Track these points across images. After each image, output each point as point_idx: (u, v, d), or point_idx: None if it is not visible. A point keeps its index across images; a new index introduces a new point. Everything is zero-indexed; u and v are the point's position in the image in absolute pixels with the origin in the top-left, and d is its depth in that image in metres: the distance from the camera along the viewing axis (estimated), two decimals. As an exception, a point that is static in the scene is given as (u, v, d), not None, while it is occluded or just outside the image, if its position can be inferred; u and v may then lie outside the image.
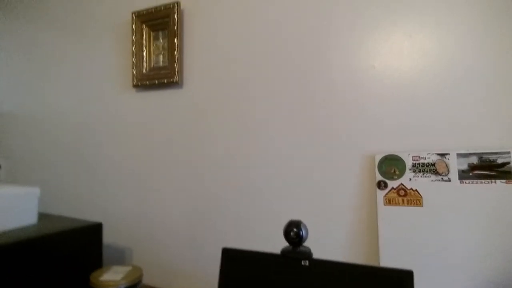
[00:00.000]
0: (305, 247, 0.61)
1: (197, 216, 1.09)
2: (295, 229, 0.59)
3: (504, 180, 0.75)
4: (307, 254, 0.59)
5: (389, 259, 0.81)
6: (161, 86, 1.17)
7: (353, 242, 0.89)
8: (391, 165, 0.85)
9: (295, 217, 0.94)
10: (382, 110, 0.87)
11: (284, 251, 0.60)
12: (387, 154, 0.85)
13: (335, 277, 0.58)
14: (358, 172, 0.89)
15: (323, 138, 0.93)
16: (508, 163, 0.75)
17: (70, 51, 1.42)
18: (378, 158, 0.86)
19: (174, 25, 1.11)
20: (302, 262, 0.59)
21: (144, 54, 1.19)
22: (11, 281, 0.80)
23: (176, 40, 1.11)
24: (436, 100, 0.83)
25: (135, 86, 1.20)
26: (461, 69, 0.81)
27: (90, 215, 1.31)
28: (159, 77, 1.15)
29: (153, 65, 1.19)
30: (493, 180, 0.76)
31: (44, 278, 0.87)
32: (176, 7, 1.11)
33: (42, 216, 1.06)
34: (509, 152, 0.75)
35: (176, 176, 1.13)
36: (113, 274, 0.87)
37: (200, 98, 1.11)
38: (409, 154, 0.83)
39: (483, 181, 0.77)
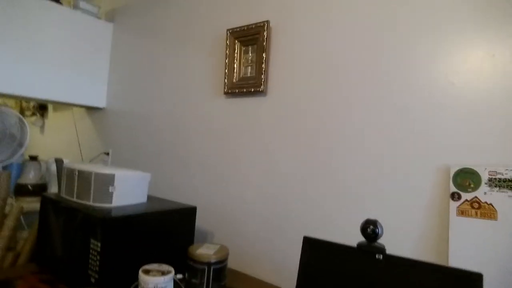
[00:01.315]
0: (379, 243, 0.70)
1: (280, 207, 1.23)
2: (371, 226, 0.69)
3: None
4: (382, 249, 0.69)
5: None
6: (248, 94, 1.33)
7: (424, 249, 0.94)
8: (466, 178, 0.89)
9: (369, 215, 1.02)
10: (460, 125, 0.91)
11: (360, 245, 0.71)
12: (462, 167, 0.89)
13: (407, 272, 0.66)
14: (433, 183, 0.94)
15: (401, 149, 1.00)
16: None
17: (172, 61, 1.67)
18: (453, 170, 0.90)
19: (263, 41, 1.27)
20: (377, 256, 0.68)
21: (235, 65, 1.37)
22: (126, 246, 1.02)
23: (264, 54, 1.27)
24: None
25: (226, 93, 1.38)
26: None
27: (182, 201, 1.54)
28: (247, 86, 1.32)
29: (242, 76, 1.36)
30: None
31: (152, 246, 1.09)
32: (266, 25, 1.27)
33: (149, 198, 1.29)
34: None
35: (255, 171, 1.29)
36: (206, 249, 1.05)
37: (282, 106, 1.25)
38: (485, 168, 0.86)
39: None
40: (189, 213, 1.22)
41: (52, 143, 2.56)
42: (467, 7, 0.92)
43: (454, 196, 0.89)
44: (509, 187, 0.84)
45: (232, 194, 1.37)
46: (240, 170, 1.35)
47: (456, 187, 0.90)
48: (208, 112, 1.48)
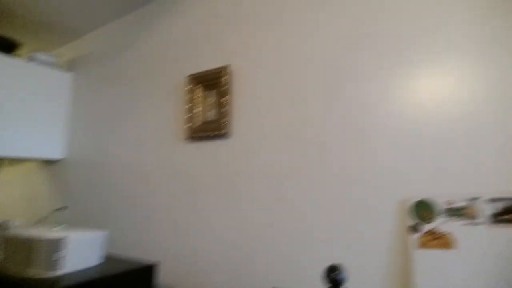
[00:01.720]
0: None
1: (247, 256, 1.19)
2: (336, 272, 0.68)
3: (535, 225, 0.80)
4: (347, 292, 0.67)
5: (427, 301, 0.85)
6: (212, 138, 1.34)
7: (388, 285, 0.94)
8: (424, 209, 0.91)
9: (334, 258, 1.01)
10: (417, 157, 0.96)
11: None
12: (420, 198, 0.92)
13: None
14: (393, 215, 0.96)
15: (362, 185, 1.02)
16: (538, 208, 0.80)
17: (134, 108, 1.66)
18: (412, 202, 0.93)
19: (225, 85, 1.30)
20: (342, 300, 0.67)
21: (197, 110, 1.38)
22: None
23: (225, 98, 1.30)
24: (467, 147, 0.90)
25: (189, 138, 1.38)
26: (488, 117, 0.89)
27: (145, 256, 1.45)
28: (210, 130, 1.33)
29: (205, 120, 1.37)
30: (525, 225, 0.81)
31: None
32: (226, 70, 1.31)
33: (107, 257, 1.20)
34: (537, 198, 0.80)
35: (222, 220, 1.26)
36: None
37: (246, 149, 1.25)
38: (441, 198, 0.90)
39: (514, 225, 0.82)
40: (149, 271, 1.15)
41: (6, 201, 2.38)
42: (413, 47, 1.01)
43: (414, 228, 0.91)
44: (463, 215, 0.87)
45: (197, 245, 1.31)
46: (205, 219, 1.31)
47: (415, 219, 0.92)
48: (171, 159, 1.46)
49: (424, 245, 0.89)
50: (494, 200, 0.84)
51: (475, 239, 0.84)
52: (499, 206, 0.83)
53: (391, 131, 1.00)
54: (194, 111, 1.38)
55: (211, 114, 1.36)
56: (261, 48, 1.28)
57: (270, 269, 1.13)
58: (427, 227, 0.90)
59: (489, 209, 0.84)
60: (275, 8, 1.28)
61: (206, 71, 1.37)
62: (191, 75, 1.41)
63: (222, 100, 1.31)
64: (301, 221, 1.10)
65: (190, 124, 1.38)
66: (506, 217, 0.82)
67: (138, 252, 1.48)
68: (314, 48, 1.17)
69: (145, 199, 1.52)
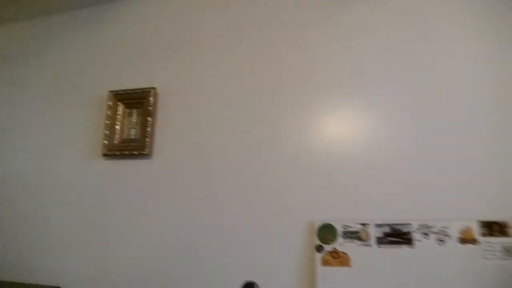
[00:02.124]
0: (259, 303, 0.76)
1: (153, 277, 1.17)
2: (252, 288, 0.74)
3: (407, 246, 0.99)
4: (262, 309, 0.74)
5: (326, 313, 0.97)
6: (131, 156, 1.30)
7: (298, 300, 1.04)
8: (327, 232, 1.05)
9: (250, 276, 1.08)
10: (323, 186, 1.10)
11: (243, 307, 0.74)
12: (324, 222, 1.06)
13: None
14: (302, 236, 1.08)
15: (275, 207, 1.12)
16: (409, 232, 1.00)
17: (44, 116, 1.50)
18: (317, 225, 1.07)
19: (149, 106, 1.30)
20: (258, 316, 0.73)
21: (117, 127, 1.33)
22: None
23: (149, 118, 1.29)
24: (362, 180, 1.08)
25: (105, 155, 1.31)
26: (375, 156, 1.09)
27: (48, 279, 1.30)
28: (130, 148, 1.29)
29: (124, 137, 1.33)
30: (401, 245, 1.00)
31: None
32: (152, 91, 1.30)
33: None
34: (410, 224, 1.01)
35: (135, 241, 1.22)
36: None
37: (168, 169, 1.26)
38: (340, 223, 1.05)
39: (394, 246, 1.00)
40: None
41: None
42: (319, 100, 1.18)
43: (319, 248, 1.04)
44: (357, 237, 1.03)
45: (108, 268, 1.24)
46: (116, 241, 1.25)
47: (319, 240, 1.05)
48: (83, 174, 1.36)
49: (326, 263, 1.03)
50: (379, 225, 1.03)
51: (366, 258, 1.01)
52: (383, 230, 1.02)
53: (302, 164, 1.14)
54: (114, 127, 1.33)
55: (133, 133, 1.33)
56: (187, 76, 1.33)
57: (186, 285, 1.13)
58: (329, 247, 1.04)
59: (376, 233, 1.02)
60: (203, 41, 1.35)
61: (131, 90, 1.34)
62: (114, 91, 1.36)
63: (145, 120, 1.29)
64: (217, 241, 1.14)
65: (109, 140, 1.32)
66: (389, 239, 1.01)
67: (40, 276, 1.31)
68: (231, 86, 1.27)
69: (50, 217, 1.37)
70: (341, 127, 1.14)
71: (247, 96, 1.24)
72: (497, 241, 0.95)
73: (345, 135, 1.13)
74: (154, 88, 1.31)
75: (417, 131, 1.08)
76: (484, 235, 0.97)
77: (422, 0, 1.17)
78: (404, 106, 1.10)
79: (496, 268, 0.93)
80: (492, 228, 0.97)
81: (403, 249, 0.99)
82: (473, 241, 0.97)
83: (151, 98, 1.30)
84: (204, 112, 1.27)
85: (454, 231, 0.98)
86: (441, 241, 0.98)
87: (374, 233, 1.02)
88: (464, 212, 1.01)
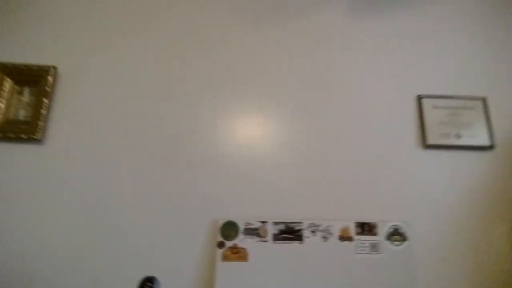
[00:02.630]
0: (158, 299, 0.76)
1: (48, 271, 1.05)
2: (148, 284, 0.74)
3: (298, 241, 1.12)
4: (160, 304, 0.74)
5: (222, 306, 1.02)
6: (18, 140, 1.14)
7: (195, 294, 1.07)
8: (230, 229, 1.11)
9: (152, 271, 1.05)
10: (227, 185, 1.16)
11: (140, 303, 0.74)
12: (228, 219, 1.12)
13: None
14: (205, 233, 1.11)
15: (180, 204, 1.13)
16: (300, 229, 1.13)
17: None
18: (221, 222, 1.11)
19: (47, 86, 1.16)
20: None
21: (1, 105, 1.15)
22: None
23: (45, 100, 1.15)
24: (261, 179, 1.17)
25: (-17, 135, 1.12)
26: (275, 159, 1.20)
27: None
28: (17, 131, 1.13)
29: (11, 118, 1.16)
30: (292, 242, 1.12)
31: None
32: (52, 71, 1.17)
33: None
34: (302, 222, 1.14)
35: (18, 231, 1.08)
36: None
37: (64, 157, 1.14)
38: (242, 220, 1.12)
39: (287, 242, 1.12)
40: None
41: None
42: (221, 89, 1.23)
43: (220, 245, 1.09)
44: (256, 234, 1.12)
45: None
46: (-5, 233, 1.08)
47: (222, 237, 1.10)
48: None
49: (226, 258, 1.08)
50: (276, 223, 1.13)
51: (263, 253, 1.09)
52: (279, 228, 1.12)
53: (211, 163, 1.17)
54: (-2, 105, 1.15)
55: (22, 114, 1.17)
56: (96, 61, 1.24)
57: (83, 283, 1.05)
58: (230, 243, 1.09)
59: (273, 230, 1.12)
60: (117, 26, 1.28)
61: (24, 65, 1.18)
62: (1, 63, 1.18)
63: (42, 101, 1.15)
64: (119, 235, 1.09)
65: (-11, 120, 1.14)
66: (283, 235, 1.12)
67: None
68: (142, 76, 1.24)
69: None
70: (249, 131, 1.22)
71: (159, 87, 1.22)
72: (367, 239, 1.15)
73: (251, 139, 1.21)
74: (54, 68, 1.18)
75: (309, 137, 1.22)
76: (358, 233, 1.16)
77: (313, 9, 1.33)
78: (300, 114, 1.24)
79: (366, 261, 1.12)
80: (364, 228, 1.17)
81: (294, 245, 1.11)
82: (349, 238, 1.14)
83: (49, 78, 1.17)
84: (110, 101, 1.20)
85: (336, 230, 1.15)
86: (325, 238, 1.14)
87: (271, 230, 1.12)
88: (344, 213, 1.18)
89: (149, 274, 1.06)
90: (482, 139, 1.30)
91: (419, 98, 1.30)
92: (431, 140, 1.27)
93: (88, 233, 1.09)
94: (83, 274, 1.06)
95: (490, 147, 1.28)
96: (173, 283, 1.06)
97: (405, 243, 1.16)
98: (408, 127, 1.28)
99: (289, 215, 1.15)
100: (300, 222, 1.14)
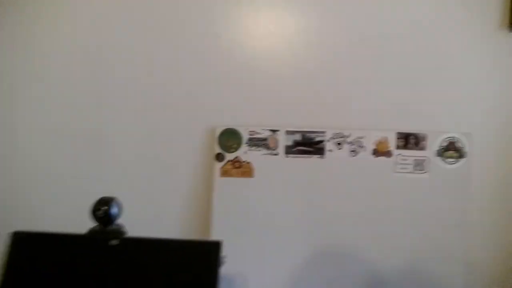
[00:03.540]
0: (117, 225, 0.57)
1: None
2: (104, 207, 0.55)
3: (318, 156, 0.87)
4: (117, 233, 0.56)
5: (221, 229, 0.85)
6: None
7: (189, 213, 0.90)
8: (230, 138, 0.87)
9: (135, 193, 0.88)
10: (225, 85, 0.89)
11: (90, 231, 0.56)
12: (227, 127, 0.87)
13: (147, 254, 0.57)
14: (199, 144, 0.89)
15: (171, 109, 0.89)
16: (322, 141, 0.87)
17: None
18: (219, 131, 0.87)
19: None
20: (110, 242, 0.55)
21: None
22: None
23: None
24: (272, 80, 0.88)
25: None
26: (294, 56, 0.88)
27: None
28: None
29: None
30: (311, 155, 0.87)
31: None
32: None
33: None
34: (324, 132, 0.87)
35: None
36: None
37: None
38: (246, 128, 0.87)
39: (303, 155, 0.87)
40: None
41: None
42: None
43: (219, 157, 0.87)
44: (264, 145, 0.87)
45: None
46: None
47: (221, 148, 0.87)
48: None
49: (226, 173, 0.87)
50: (290, 132, 0.87)
51: (271, 168, 0.87)
52: (294, 138, 0.87)
53: (206, 64, 0.89)
54: None
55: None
56: None
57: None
58: (231, 156, 0.87)
59: (285, 141, 0.87)
60: None
61: None
62: None
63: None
64: (108, 147, 0.90)
65: None
66: (298, 148, 0.87)
67: None
68: None
69: None
70: (262, 29, 0.88)
71: None
72: (411, 154, 0.88)
73: (262, 31, 0.88)
74: None
75: (336, 27, 0.87)
76: (399, 147, 0.88)
77: None
78: None
79: (407, 181, 0.87)
80: (409, 140, 0.88)
81: (313, 160, 0.87)
82: (387, 153, 0.88)
83: None
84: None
85: (370, 142, 0.88)
86: (354, 152, 0.87)
87: (283, 140, 0.87)
88: (382, 122, 0.89)
89: (139, 192, 0.89)
90: None
91: None
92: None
93: (77, 150, 0.91)
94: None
95: None
96: (166, 202, 0.90)
97: (462, 161, 0.87)
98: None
99: (308, 124, 0.88)
100: (322, 132, 0.87)
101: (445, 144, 0.88)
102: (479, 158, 0.88)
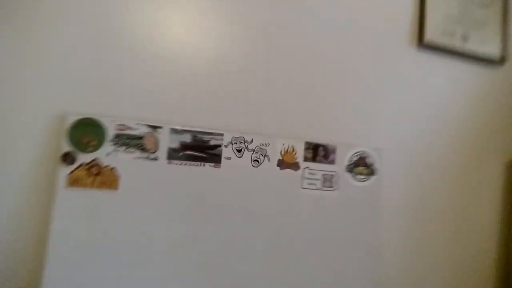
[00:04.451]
0: None
1: None
2: None
3: (212, 163, 0.67)
4: None
5: (61, 266, 0.57)
6: None
7: (20, 238, 0.59)
8: (87, 132, 0.61)
9: None
10: (85, 58, 0.62)
11: None
12: (83, 116, 0.60)
13: None
14: (39, 138, 0.60)
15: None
16: (220, 145, 0.68)
17: None
18: (70, 120, 0.60)
19: None
20: None
21: None
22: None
23: None
24: (158, 61, 0.66)
25: None
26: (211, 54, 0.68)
27: None
28: None
29: None
30: (203, 163, 0.67)
31: None
32: None
33: None
34: (222, 134, 0.68)
35: None
36: None
37: None
38: (113, 120, 0.62)
39: (192, 162, 0.66)
40: None
41: None
42: None
43: (67, 158, 0.59)
44: (138, 146, 0.63)
45: None
46: None
47: (72, 145, 0.60)
48: None
49: (76, 182, 0.59)
50: (176, 131, 0.65)
51: (146, 178, 0.63)
52: (181, 139, 0.65)
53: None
54: None
55: None
56: None
57: None
58: (86, 157, 0.60)
59: (169, 142, 0.65)
60: None
61: None
62: None
63: None
64: None
65: None
66: (187, 153, 0.65)
67: None
68: None
69: None
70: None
71: None
72: (319, 168, 0.75)
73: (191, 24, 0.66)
74: None
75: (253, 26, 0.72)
76: (307, 159, 0.75)
77: None
78: None
79: (314, 199, 0.73)
80: (317, 152, 0.76)
81: (205, 168, 0.66)
82: (294, 165, 0.73)
83: None
84: None
85: (276, 151, 0.72)
86: (257, 162, 0.70)
87: (166, 141, 0.64)
88: (290, 130, 0.75)
89: None
90: (493, 47, 0.92)
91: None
92: (429, 36, 0.85)
93: None
94: None
95: (500, 61, 0.91)
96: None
97: (372, 179, 0.78)
98: (400, 16, 0.84)
99: (201, 124, 0.68)
100: (219, 134, 0.67)
101: (355, 159, 0.78)
102: (390, 177, 0.81)
